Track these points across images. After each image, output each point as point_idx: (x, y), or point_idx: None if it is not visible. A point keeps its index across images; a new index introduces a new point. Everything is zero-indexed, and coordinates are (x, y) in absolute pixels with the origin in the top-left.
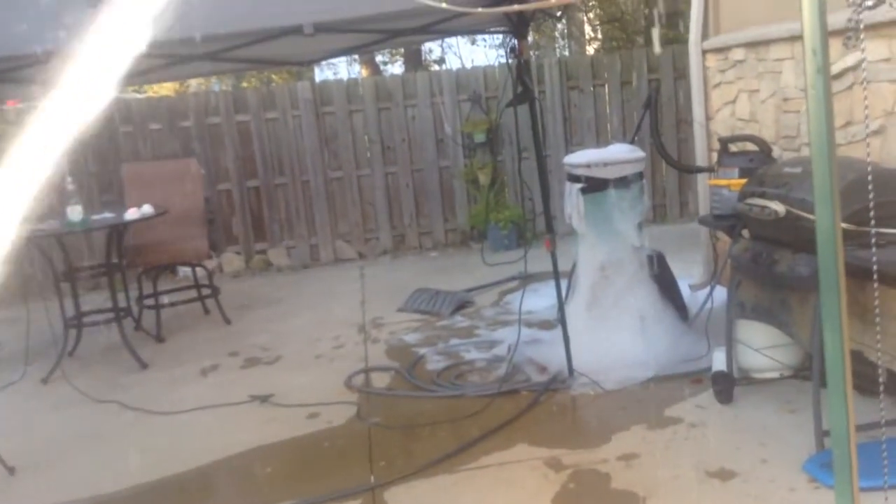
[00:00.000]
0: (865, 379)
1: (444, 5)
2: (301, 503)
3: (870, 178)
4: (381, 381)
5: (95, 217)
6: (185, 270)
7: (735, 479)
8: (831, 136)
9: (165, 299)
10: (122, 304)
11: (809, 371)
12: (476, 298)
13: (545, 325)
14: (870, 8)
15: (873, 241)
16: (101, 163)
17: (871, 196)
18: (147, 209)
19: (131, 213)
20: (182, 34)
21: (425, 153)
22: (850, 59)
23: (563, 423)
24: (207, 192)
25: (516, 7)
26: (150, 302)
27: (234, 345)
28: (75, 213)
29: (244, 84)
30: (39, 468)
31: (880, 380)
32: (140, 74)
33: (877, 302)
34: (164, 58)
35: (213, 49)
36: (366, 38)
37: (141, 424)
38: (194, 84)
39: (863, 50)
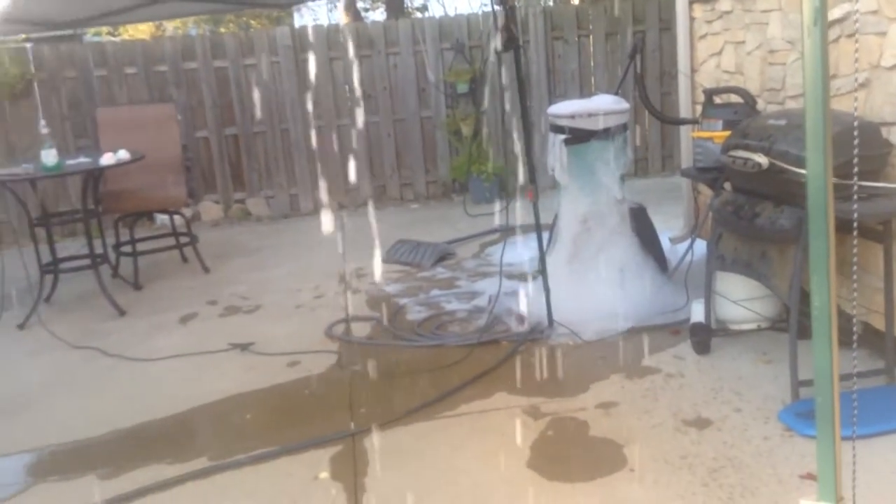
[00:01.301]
0: (842, 332)
1: None
2: (281, 450)
3: (856, 130)
4: (361, 330)
5: (70, 162)
6: (162, 218)
7: (710, 428)
8: (826, 84)
9: (143, 247)
10: (99, 250)
11: (786, 323)
12: (457, 250)
13: (526, 276)
14: None
15: (855, 193)
16: (75, 107)
17: (855, 149)
18: (123, 154)
19: (107, 159)
20: None
21: (407, 103)
22: (838, 12)
23: (542, 372)
24: (185, 139)
25: None
26: (127, 249)
27: (212, 293)
28: (50, 157)
29: (222, 29)
30: (16, 413)
31: (853, 329)
32: (113, 14)
33: (855, 250)
34: None
35: None
36: None
37: (119, 371)
38: (170, 28)
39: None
